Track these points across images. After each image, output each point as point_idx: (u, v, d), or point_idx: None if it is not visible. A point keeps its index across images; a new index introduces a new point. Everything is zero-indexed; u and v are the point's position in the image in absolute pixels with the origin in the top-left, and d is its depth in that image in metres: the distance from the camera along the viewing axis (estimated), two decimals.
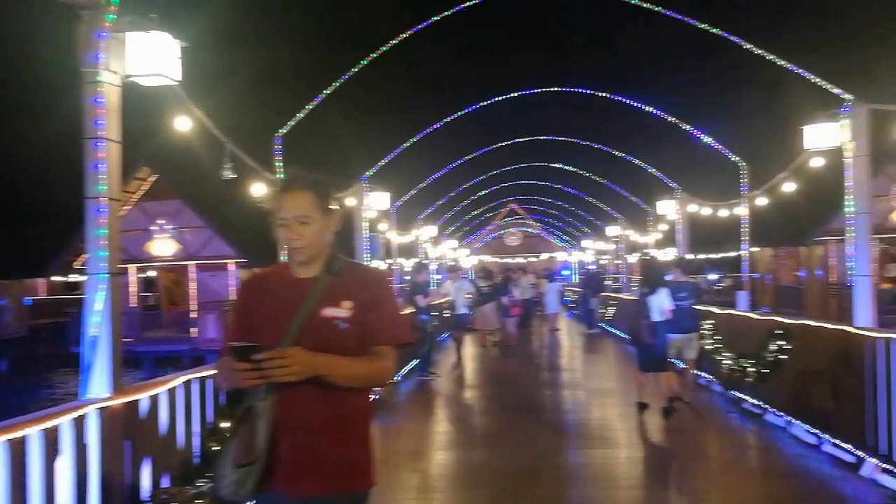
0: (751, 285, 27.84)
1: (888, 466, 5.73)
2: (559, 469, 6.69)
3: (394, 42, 7.68)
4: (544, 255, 48.89)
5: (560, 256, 46.36)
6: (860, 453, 6.13)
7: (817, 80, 6.67)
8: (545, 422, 8.73)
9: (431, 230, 19.21)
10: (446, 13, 7.59)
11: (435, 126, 12.40)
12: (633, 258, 25.40)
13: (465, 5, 7.54)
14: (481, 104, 12.71)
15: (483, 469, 6.83)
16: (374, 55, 7.79)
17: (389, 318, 2.40)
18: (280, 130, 7.55)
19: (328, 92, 7.82)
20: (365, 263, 2.40)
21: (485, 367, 14.27)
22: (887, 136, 6.57)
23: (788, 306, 24.71)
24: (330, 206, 2.39)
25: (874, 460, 5.91)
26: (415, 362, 12.66)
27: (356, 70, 7.87)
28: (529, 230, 48.02)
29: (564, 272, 39.83)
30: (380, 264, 24.96)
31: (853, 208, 6.27)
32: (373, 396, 2.57)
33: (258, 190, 6.97)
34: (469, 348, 16.39)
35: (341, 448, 2.37)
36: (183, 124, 5.20)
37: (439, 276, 20.46)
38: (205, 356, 21.37)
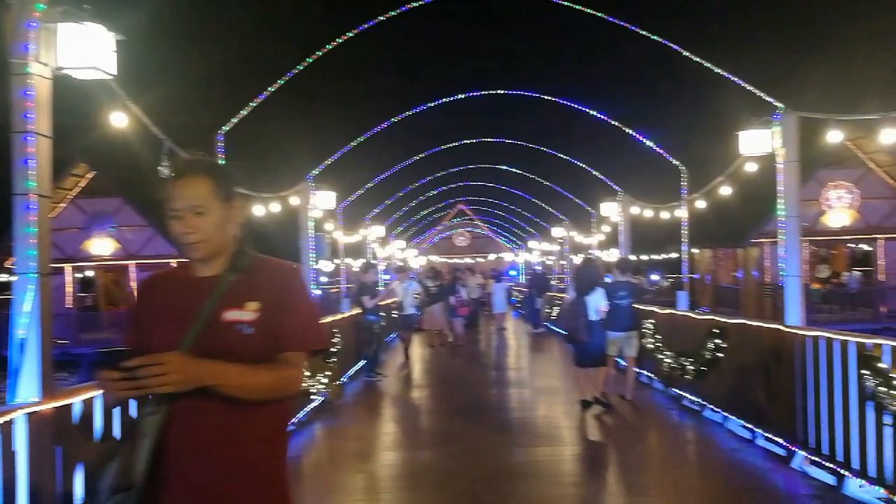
0: (691, 285, 28.75)
1: (816, 458, 5.98)
2: (505, 467, 6.75)
3: (339, 41, 7.63)
4: (492, 256, 49.28)
5: (508, 257, 46.82)
6: (791, 446, 6.38)
7: (751, 88, 6.91)
8: (492, 421, 8.80)
9: (379, 230, 19.15)
10: (391, 13, 7.59)
11: (382, 126, 12.36)
12: (577, 259, 25.82)
13: (411, 6, 7.55)
14: (428, 105, 12.74)
15: (430, 469, 6.85)
16: (319, 53, 7.72)
17: (301, 321, 2.11)
18: (223, 128, 7.40)
19: (272, 90, 7.71)
20: (278, 259, 2.10)
21: (432, 367, 14.30)
22: (817, 142, 6.88)
23: (727, 306, 25.57)
24: (232, 195, 2.11)
25: (804, 453, 6.16)
26: (362, 363, 12.60)
27: (301, 68, 7.78)
28: (478, 231, 48.35)
29: (512, 272, 40.24)
30: (326, 264, 24.79)
31: (784, 212, 6.53)
32: (288, 429, 2.23)
33: None
34: (417, 348, 16.40)
35: (242, 480, 2.01)
36: (119, 120, 5.04)
37: (388, 277, 20.40)
38: None
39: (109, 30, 4.06)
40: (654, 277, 33.06)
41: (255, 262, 2.14)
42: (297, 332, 2.09)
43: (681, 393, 9.19)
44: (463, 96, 12.88)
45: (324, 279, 35.14)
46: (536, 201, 24.20)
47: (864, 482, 5.33)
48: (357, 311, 12.56)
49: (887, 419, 4.95)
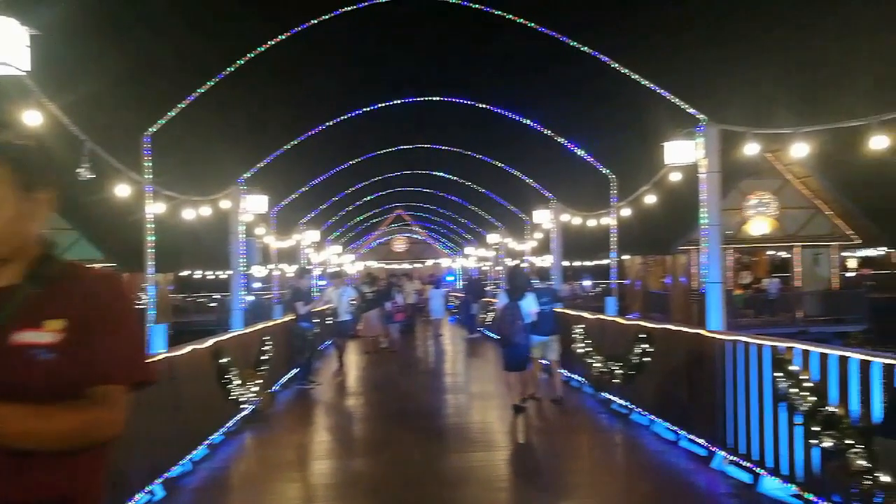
0: (622, 291, 29.48)
1: (735, 458, 6.22)
2: (439, 473, 6.76)
3: (271, 43, 7.51)
4: (430, 262, 49.32)
5: (445, 262, 46.94)
6: (712, 447, 6.62)
7: (677, 101, 7.16)
8: (426, 427, 8.80)
9: (314, 235, 18.89)
10: (325, 17, 7.52)
11: (316, 130, 12.22)
12: (512, 264, 26.12)
13: (345, 10, 7.51)
14: (363, 110, 12.67)
15: (362, 477, 6.81)
16: (251, 55, 7.59)
17: (121, 346, 1.67)
18: (149, 129, 7.16)
19: (202, 91, 7.52)
20: (98, 267, 1.56)
21: (368, 374, 14.19)
22: (740, 154, 7.17)
23: (656, 311, 26.32)
24: (35, 185, 1.66)
25: (723, 453, 6.39)
26: (294, 371, 12.39)
27: (232, 70, 7.62)
28: (416, 236, 48.30)
29: (449, 278, 40.38)
30: (260, 270, 24.30)
31: (706, 220, 6.78)
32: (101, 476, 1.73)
33: (123, 191, 6.59)
34: (352, 355, 16.25)
35: None
36: (33, 118, 4.81)
37: (324, 283, 20.15)
38: None
39: (23, 24, 3.88)
40: (587, 283, 33.82)
41: (65, 269, 1.71)
42: (114, 360, 1.65)
43: (610, 396, 9.41)
44: (399, 102, 12.89)
45: (257, 285, 34.53)
46: (473, 208, 24.40)
47: (777, 480, 5.57)
48: (290, 317, 12.36)
49: (798, 419, 5.20)
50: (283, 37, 7.57)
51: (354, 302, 14.91)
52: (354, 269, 37.91)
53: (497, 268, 27.37)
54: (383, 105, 13.07)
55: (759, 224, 25.64)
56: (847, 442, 4.59)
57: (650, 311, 26.56)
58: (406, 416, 9.57)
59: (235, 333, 9.45)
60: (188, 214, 9.11)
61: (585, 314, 11.07)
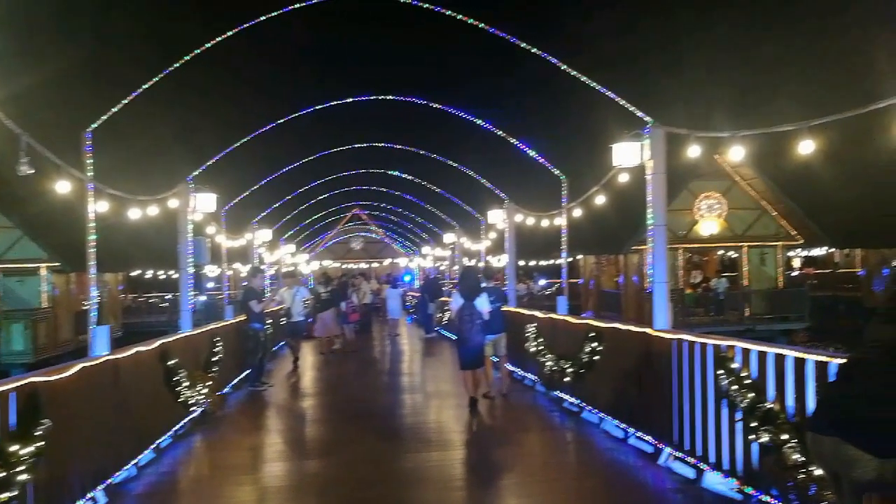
0: (577, 290, 29.82)
1: (680, 454, 6.36)
2: (394, 474, 6.76)
3: (219, 39, 7.38)
4: (388, 261, 49.17)
5: (403, 262, 46.86)
6: (659, 444, 6.76)
7: (624, 103, 7.28)
8: (381, 427, 8.77)
9: (266, 234, 18.63)
10: (274, 13, 7.42)
11: (267, 127, 12.06)
12: (466, 265, 26.22)
13: (295, 7, 7.42)
14: (316, 108, 12.55)
15: (315, 478, 6.76)
16: (198, 51, 7.44)
17: None
18: (91, 125, 6.96)
19: (146, 87, 7.34)
20: None
21: (322, 375, 14.07)
22: (685, 155, 7.33)
23: (609, 310, 26.73)
24: None
25: (669, 449, 6.53)
26: (246, 372, 12.21)
27: (178, 66, 7.46)
28: (373, 236, 48.08)
29: (406, 277, 40.32)
30: (213, 269, 23.87)
31: (652, 220, 6.92)
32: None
33: (63, 188, 6.39)
34: (307, 356, 16.09)
35: None
36: None
37: (277, 283, 19.91)
38: (8, 370, 19.17)
39: None
40: (542, 283, 34.15)
41: None
42: None
43: (561, 395, 9.52)
44: (351, 100, 12.81)
45: (211, 285, 33.91)
46: (429, 207, 24.41)
47: (719, 475, 5.72)
48: (242, 318, 12.18)
49: (738, 415, 5.34)
50: (231, 33, 7.46)
51: (308, 302, 14.77)
52: (310, 269, 37.52)
53: (454, 267, 27.46)
54: (337, 103, 12.97)
55: (708, 224, 26.26)
56: (783, 437, 4.74)
57: (603, 310, 26.95)
58: (361, 416, 9.53)
59: (184, 334, 9.27)
60: (135, 214, 8.88)
61: (538, 313, 11.18)
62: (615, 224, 17.92)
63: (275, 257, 23.56)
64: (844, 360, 3.49)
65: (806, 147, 5.80)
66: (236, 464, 7.43)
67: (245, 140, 12.03)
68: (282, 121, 12.69)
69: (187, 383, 8.35)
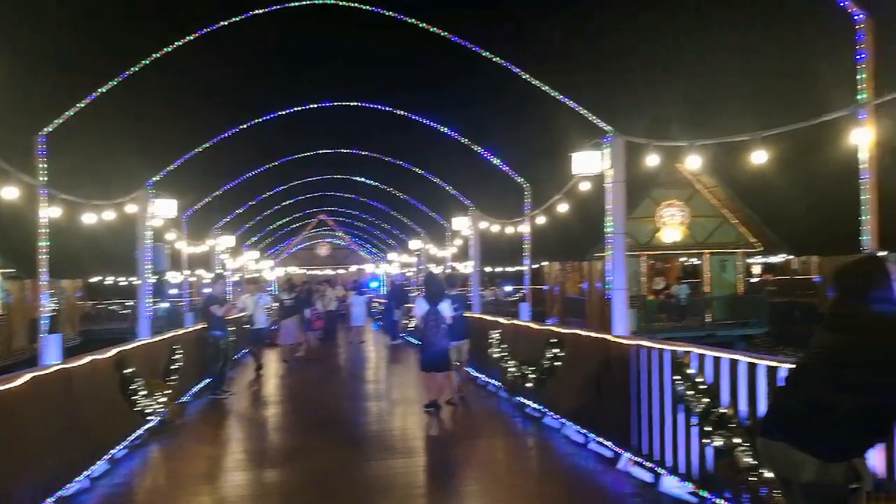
0: (542, 296, 30.02)
1: (639, 459, 6.44)
2: (358, 481, 6.71)
3: (178, 44, 7.29)
4: (354, 267, 48.90)
5: (369, 268, 46.65)
6: (618, 449, 6.84)
7: (584, 112, 7.38)
8: (346, 435, 8.72)
9: (229, 240, 18.40)
10: (235, 19, 7.36)
11: (230, 133, 11.93)
12: (436, 271, 26.24)
13: (256, 12, 7.37)
14: (279, 113, 12.46)
15: (277, 487, 6.69)
16: (157, 55, 7.34)
17: None
18: (44, 129, 6.81)
19: (104, 90, 7.21)
20: None
21: (285, 383, 13.92)
22: (643, 164, 7.45)
23: (574, 316, 26.98)
24: None
25: (628, 454, 6.61)
26: (207, 380, 12.03)
27: (136, 70, 7.35)
28: (339, 242, 47.77)
29: (373, 284, 40.14)
30: (174, 276, 23.47)
31: (611, 228, 7.01)
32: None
33: (10, 194, 6.23)
34: (270, 364, 15.91)
35: None
36: None
37: (239, 289, 19.66)
38: None
39: None
40: (508, 289, 34.33)
41: None
42: None
43: (524, 401, 9.58)
44: (316, 106, 12.74)
45: (174, 291, 33.31)
46: (395, 214, 24.37)
47: (676, 478, 5.81)
48: (202, 325, 12.00)
49: (694, 420, 5.44)
50: (192, 37, 7.37)
51: (270, 309, 14.63)
52: (274, 275, 37.15)
53: (420, 274, 27.44)
54: (301, 109, 12.89)
55: (671, 232, 26.71)
56: (735, 441, 4.83)
57: (568, 317, 27.20)
58: (324, 424, 9.46)
59: (142, 342, 9.10)
60: (91, 219, 8.70)
61: (501, 319, 11.24)
62: (578, 231, 18.11)
63: (238, 263, 23.29)
64: (792, 366, 3.57)
65: (759, 157, 5.95)
66: (194, 473, 7.30)
67: (207, 145, 11.87)
68: (245, 126, 12.56)
69: (144, 392, 8.19)
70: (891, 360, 2.88)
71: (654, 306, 25.78)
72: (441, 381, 9.31)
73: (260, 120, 12.40)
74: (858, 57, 4.62)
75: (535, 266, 29.40)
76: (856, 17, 4.64)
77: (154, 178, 9.80)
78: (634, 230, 25.93)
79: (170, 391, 9.35)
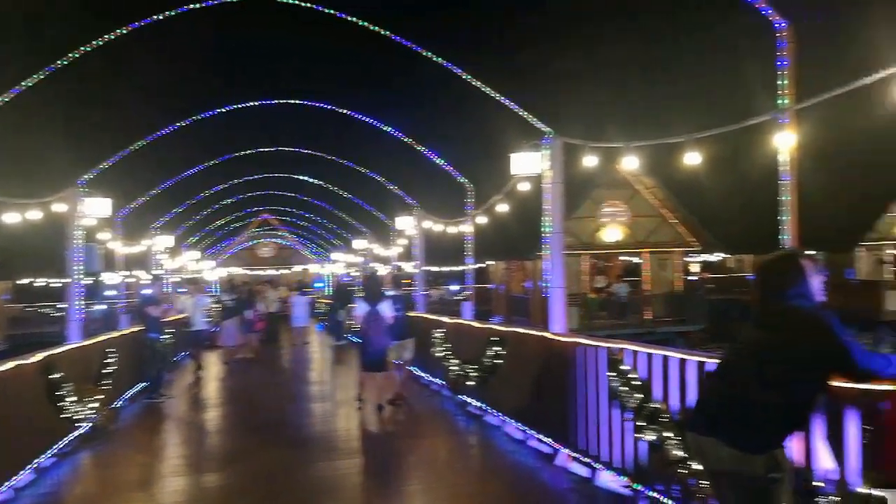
0: (488, 295, 30.24)
1: (576, 455, 6.56)
2: (300, 483, 6.65)
3: (109, 37, 7.05)
4: (298, 267, 48.26)
5: (314, 268, 46.12)
6: (556, 445, 6.94)
7: (524, 113, 7.48)
8: (289, 437, 8.62)
9: (168, 240, 17.91)
10: (170, 13, 7.16)
11: (167, 130, 11.61)
12: (381, 271, 26.13)
13: (194, 6, 7.19)
14: (219, 110, 12.20)
15: (217, 491, 6.59)
16: (87, 49, 7.08)
17: None
18: None
19: (29, 84, 6.91)
20: None
21: (227, 385, 13.64)
22: (579, 165, 7.59)
23: (519, 314, 27.27)
24: None
25: (567, 450, 6.73)
26: (143, 384, 11.69)
27: (66, 63, 7.07)
28: (283, 242, 47.07)
29: (318, 284, 39.71)
30: (111, 277, 22.70)
31: (549, 228, 7.12)
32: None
33: None
34: (210, 366, 15.57)
35: None
36: None
37: (180, 291, 19.18)
38: None
39: None
40: (454, 288, 34.46)
41: None
42: None
43: (466, 399, 9.64)
44: (256, 104, 12.52)
45: (111, 293, 32.21)
46: (339, 213, 24.17)
47: (611, 473, 5.94)
48: (139, 328, 11.67)
49: (628, 415, 5.57)
50: (125, 31, 7.14)
51: (210, 311, 14.33)
52: (216, 276, 36.36)
53: (365, 274, 27.24)
54: (242, 106, 12.65)
55: (612, 231, 27.28)
56: (666, 434, 4.97)
57: (513, 315, 27.47)
58: (267, 426, 9.34)
59: (72, 346, 8.78)
60: (14, 218, 8.34)
61: (445, 319, 11.28)
62: (522, 230, 18.33)
63: (177, 264, 22.70)
64: (719, 362, 3.69)
65: (693, 158, 6.13)
66: (128, 480, 7.09)
67: (143, 143, 11.53)
68: (183, 123, 12.25)
69: (74, 398, 7.91)
70: (813, 356, 3.00)
71: (595, 304, 26.27)
72: (381, 381, 9.32)
73: (199, 117, 12.11)
74: (779, 63, 4.83)
75: (480, 265, 29.63)
76: (777, 26, 4.85)
77: (86, 177, 9.45)
78: (576, 229, 26.39)
79: (102, 396, 9.05)
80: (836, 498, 3.55)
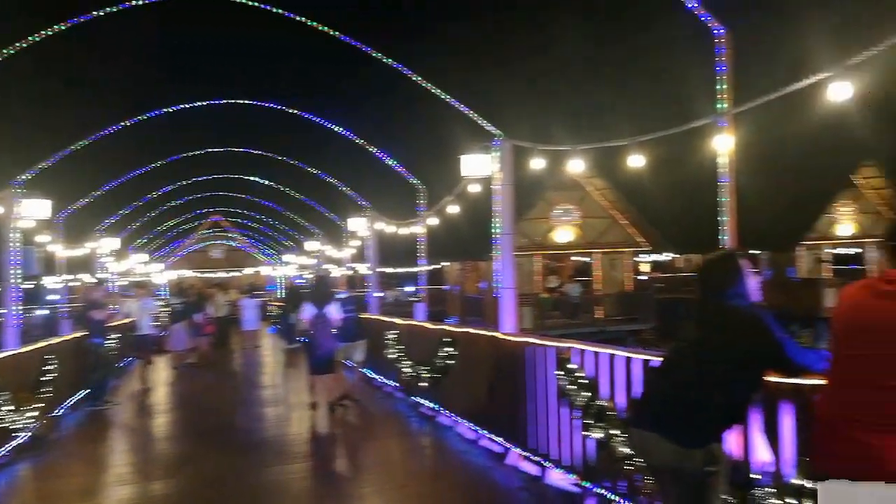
0: (443, 296, 30.27)
1: (526, 453, 6.62)
2: (251, 489, 6.55)
3: (45, 33, 6.81)
4: (249, 270, 47.53)
5: (265, 271, 45.48)
6: (507, 444, 7.00)
7: (474, 116, 7.52)
8: (240, 441, 8.48)
9: (113, 243, 17.40)
10: (111, 9, 6.95)
11: (112, 129, 11.29)
12: (336, 272, 25.93)
13: (136, 3, 6.99)
14: (166, 110, 11.92)
15: (165, 499, 6.43)
16: (23, 45, 6.82)
17: None
18: None
19: None
20: None
21: (175, 391, 13.33)
22: (547, 167, 7.68)
23: (473, 315, 27.36)
24: None
25: (517, 449, 6.79)
26: (86, 391, 11.34)
27: None
28: (234, 244, 46.29)
29: (270, 287, 39.19)
30: (54, 281, 21.98)
31: (500, 229, 7.18)
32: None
33: None
34: (159, 371, 15.20)
35: None
36: None
37: (128, 294, 18.68)
38: None
39: None
40: (410, 289, 34.42)
41: None
42: None
43: (419, 400, 9.64)
44: (205, 104, 12.27)
45: (54, 297, 31.17)
46: (291, 214, 23.90)
47: (561, 471, 6.02)
48: (81, 333, 11.32)
49: (576, 413, 5.65)
50: (63, 27, 6.91)
51: (157, 314, 14.00)
52: (165, 279, 35.54)
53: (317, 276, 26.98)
54: (189, 106, 12.38)
55: (564, 232, 27.65)
56: (613, 432, 5.07)
57: (468, 316, 27.55)
58: (217, 431, 9.18)
59: (8, 353, 8.46)
60: None
61: (397, 320, 11.27)
62: (475, 231, 18.44)
63: (124, 267, 22.10)
64: (662, 359, 3.77)
65: (637, 161, 6.26)
66: (69, 491, 6.86)
67: (86, 142, 11.19)
68: (128, 123, 11.94)
69: (10, 407, 7.62)
70: (750, 354, 3.10)
71: (548, 304, 26.55)
72: (329, 383, 9.31)
73: (145, 117, 11.82)
74: (718, 69, 4.98)
75: (435, 266, 29.66)
76: (716, 32, 5.00)
77: (23, 177, 9.12)
78: (529, 230, 26.65)
79: (41, 404, 8.75)
80: (772, 489, 3.67)
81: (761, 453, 3.84)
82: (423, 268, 12.31)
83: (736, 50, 4.93)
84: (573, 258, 29.75)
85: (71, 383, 10.96)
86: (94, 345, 11.01)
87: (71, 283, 16.50)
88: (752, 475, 3.82)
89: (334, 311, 8.89)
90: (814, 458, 2.71)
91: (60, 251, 13.44)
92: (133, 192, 17.05)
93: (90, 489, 6.91)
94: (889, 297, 2.56)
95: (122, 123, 11.52)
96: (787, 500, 3.54)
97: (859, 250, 29.95)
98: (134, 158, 15.22)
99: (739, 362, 3.09)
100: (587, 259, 29.36)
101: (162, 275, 35.15)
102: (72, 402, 11.00)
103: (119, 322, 13.81)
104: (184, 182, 19.30)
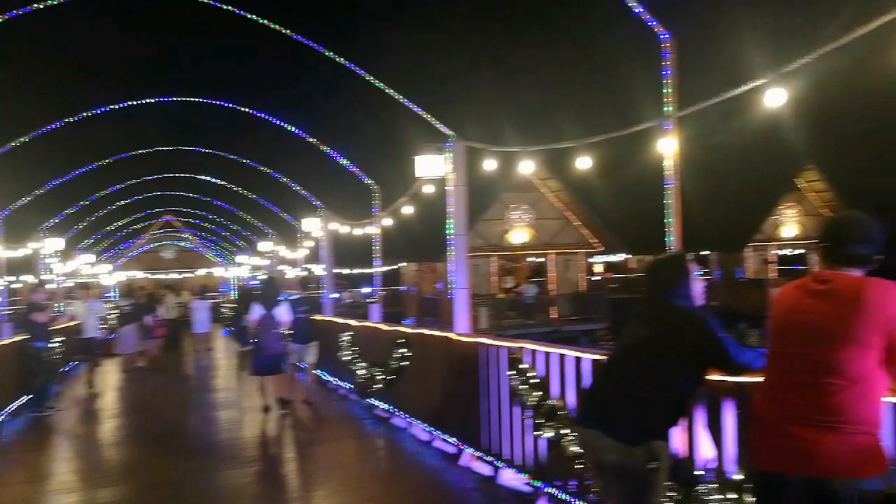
0: (401, 297, 30.20)
1: (480, 454, 6.65)
2: (203, 494, 6.44)
3: None
4: (202, 271, 46.62)
5: (218, 272, 44.68)
6: (460, 445, 7.02)
7: (427, 116, 7.53)
8: (190, 446, 8.33)
9: (58, 243, 16.86)
10: (52, 2, 6.73)
11: (53, 126, 10.94)
12: (290, 273, 25.63)
13: None
14: (112, 108, 11.60)
15: None
16: None
17: None
18: None
19: None
20: None
21: (124, 395, 12.99)
22: (503, 168, 7.72)
23: (429, 315, 27.38)
24: None
25: (470, 450, 6.81)
26: (26, 397, 10.96)
27: None
28: (186, 244, 45.35)
29: (224, 289, 38.54)
30: None
31: (453, 230, 7.20)
32: None
33: None
34: (106, 375, 14.80)
35: None
36: None
37: (73, 296, 18.13)
38: None
39: None
40: (367, 290, 34.25)
41: None
42: None
43: (373, 402, 9.60)
44: (153, 101, 11.99)
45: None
46: (243, 214, 23.53)
47: (513, 471, 6.06)
48: (23, 336, 10.94)
49: (528, 413, 5.70)
50: (2, 18, 6.65)
51: (105, 317, 13.63)
52: (114, 280, 34.61)
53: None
54: (137, 104, 12.08)
55: (519, 233, 27.87)
56: (563, 431, 5.12)
57: (425, 316, 27.56)
58: (167, 436, 8.99)
59: None
60: None
61: (352, 322, 11.19)
62: (431, 232, 18.47)
63: (70, 268, 21.44)
64: (607, 356, 3.83)
65: (585, 162, 6.35)
66: (9, 502, 6.62)
67: (26, 139, 10.83)
68: (72, 119, 11.59)
69: None
70: (693, 353, 3.17)
71: (504, 304, 26.74)
72: (277, 384, 9.26)
73: (90, 113, 11.48)
74: (664, 73, 5.09)
75: (393, 267, 29.56)
76: (661, 37, 5.11)
77: None
78: (485, 231, 26.79)
79: None
80: (715, 484, 3.76)
81: (705, 450, 3.93)
82: (378, 269, 12.25)
83: (681, 55, 5.05)
84: (529, 259, 30.01)
85: (12, 389, 10.59)
86: (36, 348, 10.65)
87: (13, 286, 15.92)
88: (696, 472, 3.90)
89: (283, 313, 8.81)
90: (750, 452, 2.79)
91: (0, 252, 12.97)
92: (80, 190, 16.56)
93: (32, 499, 6.69)
94: (820, 296, 2.65)
95: (65, 120, 11.18)
96: (729, 496, 3.63)
97: (803, 251, 30.97)
98: (79, 157, 14.79)
99: (682, 361, 3.16)
100: (542, 260, 29.67)
101: (111, 276, 34.22)
102: (12, 409, 10.62)
103: (64, 325, 13.39)
104: (133, 181, 18.82)
